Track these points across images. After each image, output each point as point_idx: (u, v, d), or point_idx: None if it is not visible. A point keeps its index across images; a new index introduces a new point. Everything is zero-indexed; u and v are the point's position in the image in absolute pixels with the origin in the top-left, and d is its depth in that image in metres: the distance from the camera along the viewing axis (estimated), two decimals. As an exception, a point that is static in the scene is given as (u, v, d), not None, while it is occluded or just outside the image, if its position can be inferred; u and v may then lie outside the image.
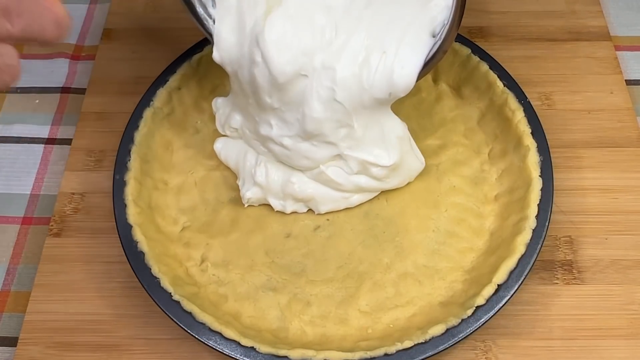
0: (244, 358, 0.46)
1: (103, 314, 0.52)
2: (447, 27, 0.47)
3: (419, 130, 0.58)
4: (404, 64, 0.48)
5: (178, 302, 0.48)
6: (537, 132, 0.54)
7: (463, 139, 0.58)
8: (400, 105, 0.59)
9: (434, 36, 0.48)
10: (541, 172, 0.52)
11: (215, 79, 0.60)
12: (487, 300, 0.48)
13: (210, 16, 0.51)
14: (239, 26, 0.49)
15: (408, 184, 0.56)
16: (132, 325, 0.52)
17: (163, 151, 0.57)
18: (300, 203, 0.55)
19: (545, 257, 0.54)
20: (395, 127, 0.53)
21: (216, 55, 0.50)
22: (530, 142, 0.54)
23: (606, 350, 0.50)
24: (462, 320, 0.47)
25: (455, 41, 0.59)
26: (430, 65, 0.48)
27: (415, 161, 0.55)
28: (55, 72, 0.67)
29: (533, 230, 0.50)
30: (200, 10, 0.51)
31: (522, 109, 0.55)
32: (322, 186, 0.54)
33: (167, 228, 0.54)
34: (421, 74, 0.48)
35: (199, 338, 0.47)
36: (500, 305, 0.48)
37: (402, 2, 0.49)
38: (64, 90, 0.66)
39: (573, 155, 0.59)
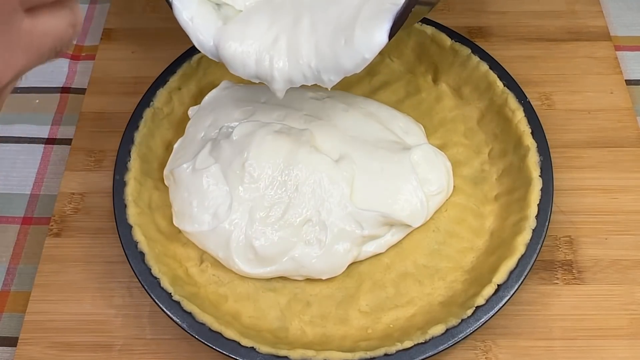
0: (244, 358, 0.46)
1: (103, 314, 0.52)
2: None
3: (419, 130, 0.58)
4: (367, 28, 0.41)
5: (178, 302, 0.48)
6: (537, 132, 0.54)
7: (463, 139, 0.58)
8: (401, 106, 0.60)
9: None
10: (541, 172, 0.52)
11: (215, 79, 0.60)
12: (487, 300, 0.48)
13: None
14: None
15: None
16: (132, 325, 0.52)
17: (163, 151, 0.57)
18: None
19: (545, 257, 0.54)
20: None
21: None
22: (530, 142, 0.54)
23: (606, 350, 0.50)
24: (462, 320, 0.47)
25: (455, 41, 0.59)
26: (407, 22, 0.41)
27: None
28: (55, 72, 0.67)
29: (533, 230, 0.50)
30: None
31: (522, 109, 0.55)
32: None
33: (166, 228, 0.54)
34: (393, 33, 0.41)
35: (199, 338, 0.47)
36: (500, 305, 0.48)
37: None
38: (64, 90, 0.66)
39: (573, 155, 0.59)
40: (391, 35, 0.41)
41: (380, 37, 0.41)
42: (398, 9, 0.40)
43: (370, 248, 0.52)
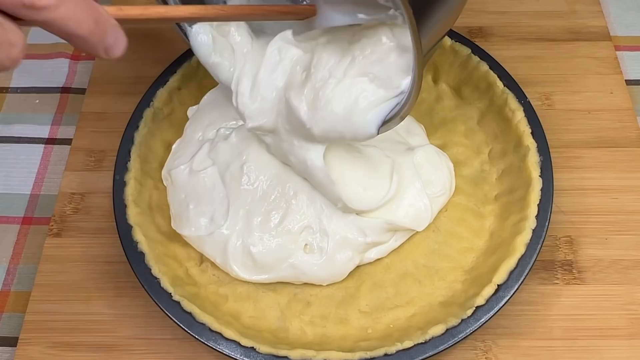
0: (244, 358, 0.46)
1: (103, 314, 0.52)
2: (407, 94, 0.42)
3: (419, 130, 0.58)
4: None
5: (178, 303, 0.48)
6: (537, 132, 0.54)
7: (463, 139, 0.58)
8: (400, 105, 0.59)
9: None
10: (541, 172, 0.52)
11: (215, 80, 0.60)
12: (487, 300, 0.48)
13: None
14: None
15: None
16: (132, 325, 0.52)
17: (163, 151, 0.57)
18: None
19: (545, 257, 0.54)
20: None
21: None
22: (530, 142, 0.54)
23: (606, 350, 0.50)
24: (462, 320, 0.47)
25: (455, 41, 0.59)
26: (391, 123, 0.43)
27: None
28: (55, 72, 0.67)
29: (533, 230, 0.50)
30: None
31: (522, 109, 0.55)
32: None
33: (166, 228, 0.54)
34: (381, 130, 0.44)
35: (199, 338, 0.47)
36: (500, 305, 0.48)
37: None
38: (64, 90, 0.66)
39: (573, 155, 0.59)
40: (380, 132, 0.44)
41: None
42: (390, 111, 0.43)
43: (372, 254, 0.52)
